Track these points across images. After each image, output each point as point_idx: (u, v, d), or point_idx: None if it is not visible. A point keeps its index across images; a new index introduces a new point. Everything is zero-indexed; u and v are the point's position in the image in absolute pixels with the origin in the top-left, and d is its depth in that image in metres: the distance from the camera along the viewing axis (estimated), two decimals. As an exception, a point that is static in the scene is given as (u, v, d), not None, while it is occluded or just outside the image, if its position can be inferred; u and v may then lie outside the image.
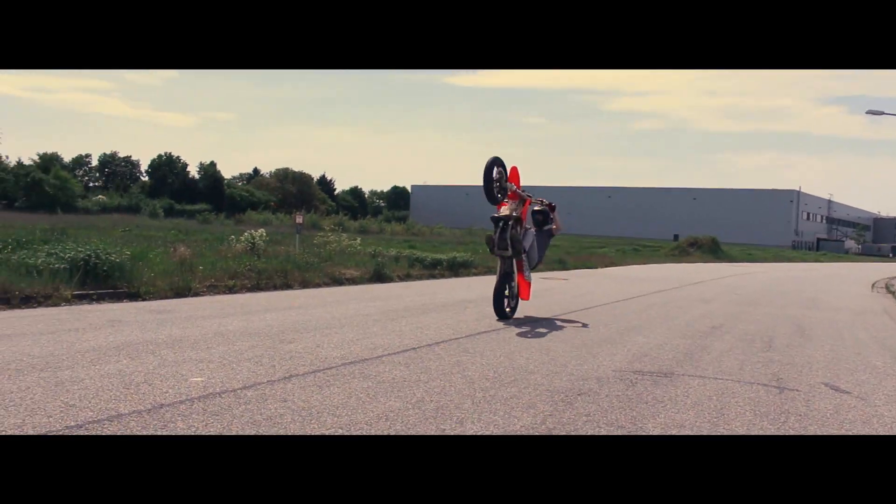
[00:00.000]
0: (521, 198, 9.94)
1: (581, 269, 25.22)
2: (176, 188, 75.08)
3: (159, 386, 4.87)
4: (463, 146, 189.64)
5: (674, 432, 4.43)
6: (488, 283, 16.56)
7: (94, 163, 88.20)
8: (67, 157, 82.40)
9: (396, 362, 6.21)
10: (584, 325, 9.37)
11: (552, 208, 10.45)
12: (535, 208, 10.31)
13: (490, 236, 9.56)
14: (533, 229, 10.19)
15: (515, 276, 9.71)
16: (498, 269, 9.75)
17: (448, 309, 10.53)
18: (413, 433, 4.08)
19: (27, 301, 8.74)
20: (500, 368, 6.13)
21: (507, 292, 9.63)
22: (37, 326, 7.14)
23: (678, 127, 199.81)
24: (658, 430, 4.46)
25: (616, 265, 29.92)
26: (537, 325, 9.15)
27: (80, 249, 10.31)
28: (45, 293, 9.00)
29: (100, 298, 9.51)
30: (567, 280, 18.91)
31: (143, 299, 9.88)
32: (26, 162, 65.19)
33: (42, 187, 56.61)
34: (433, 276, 17.53)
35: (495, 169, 9.38)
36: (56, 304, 8.86)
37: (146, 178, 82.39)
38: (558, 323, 9.58)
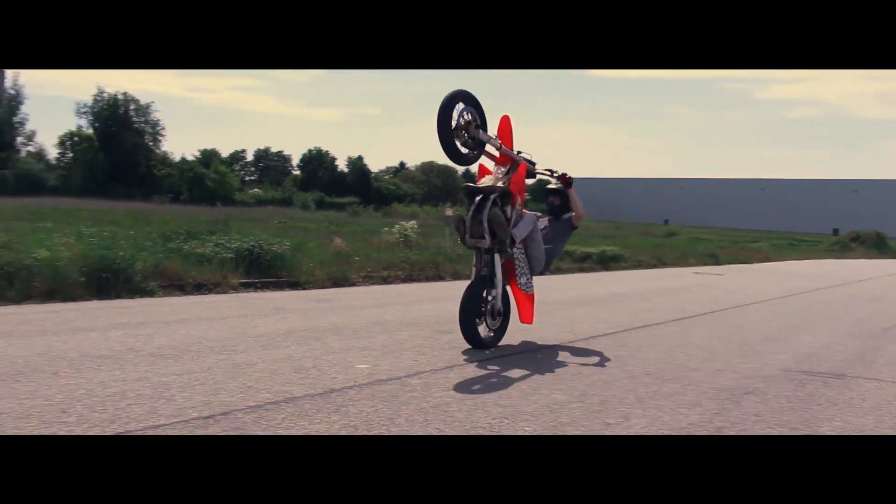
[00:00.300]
0: (514, 162, 6.40)
1: (735, 263, 24.12)
2: (326, 181, 78.15)
3: (327, 371, 5.05)
4: (605, 138, 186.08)
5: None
6: (640, 277, 16.17)
7: (249, 158, 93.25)
8: (225, 153, 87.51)
9: (555, 354, 6.17)
10: (742, 324, 8.91)
11: (567, 182, 6.89)
12: (550, 186, 7.09)
13: (461, 217, 6.25)
14: (538, 217, 6.74)
15: (500, 282, 6.18)
16: (472, 268, 6.36)
17: (601, 303, 10.34)
18: (579, 426, 4.02)
19: (199, 288, 9.36)
20: (661, 364, 5.94)
21: (484, 306, 6.18)
22: (210, 312, 7.63)
23: (835, 115, 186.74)
24: (835, 433, 4.16)
25: (771, 260, 28.39)
26: (693, 321, 8.80)
27: (244, 240, 10.93)
28: (215, 281, 9.61)
29: (263, 287, 10.04)
30: (722, 275, 18.11)
31: (304, 288, 10.35)
32: (189, 158, 69.90)
33: (203, 181, 60.49)
34: (582, 270, 17.31)
35: (458, 109, 5.90)
36: (224, 292, 9.43)
37: (298, 172, 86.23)
38: (716, 318, 9.17)
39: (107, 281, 8.42)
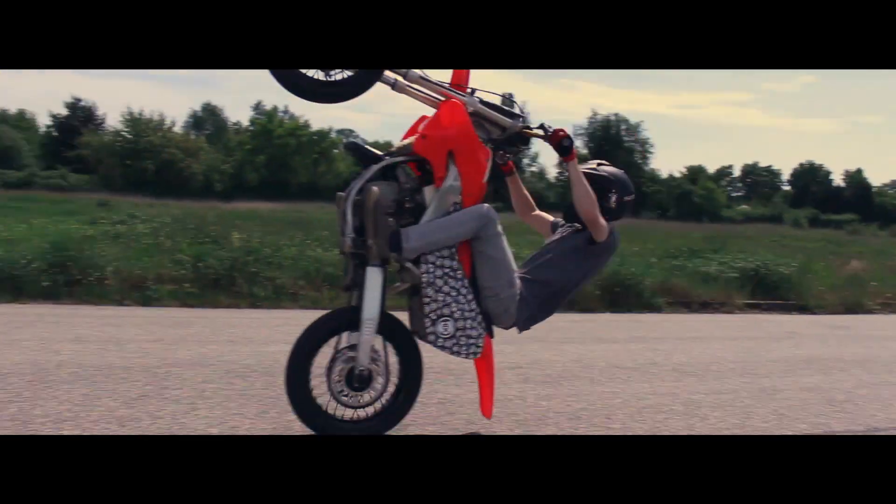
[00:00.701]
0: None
1: None
2: (819, 197, 72.24)
3: (865, 407, 4.66)
4: None
5: None
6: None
7: (736, 173, 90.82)
8: (711, 169, 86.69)
9: None
10: None
11: (560, 145, 3.34)
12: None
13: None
14: (488, 211, 3.28)
15: (368, 322, 3.20)
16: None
17: None
18: None
19: (704, 307, 9.44)
20: None
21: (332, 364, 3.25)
22: (721, 331, 7.64)
23: None
24: None
25: None
26: None
27: (748, 260, 10.69)
28: (720, 300, 9.58)
29: (769, 309, 9.69)
30: None
31: (813, 312, 9.71)
32: (676, 174, 70.91)
33: (690, 198, 60.79)
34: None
35: None
36: (730, 311, 9.36)
37: (788, 188, 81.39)
38: None
39: (619, 295, 9.03)
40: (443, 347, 3.28)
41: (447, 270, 3.25)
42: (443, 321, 3.25)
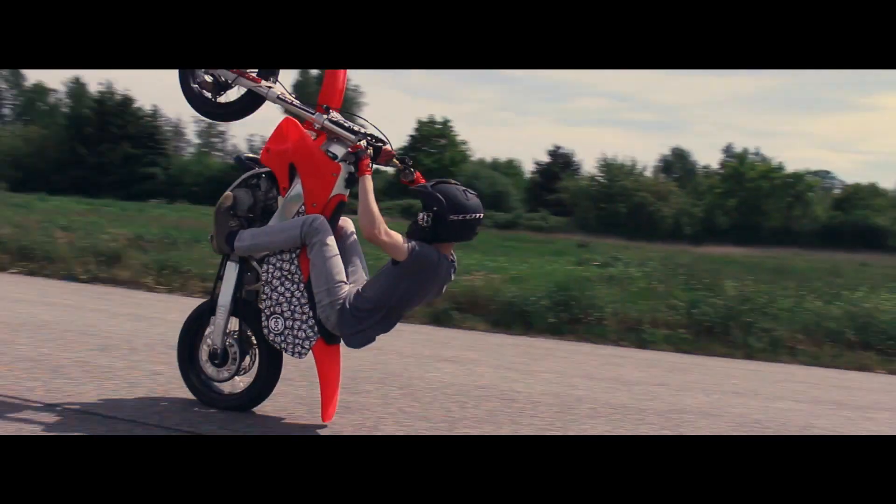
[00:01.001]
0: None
1: None
2: None
3: None
4: None
5: None
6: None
7: None
8: None
9: None
10: None
11: (357, 155, 3.57)
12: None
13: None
14: (316, 222, 3.51)
15: (221, 309, 3.71)
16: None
17: None
18: None
19: None
20: None
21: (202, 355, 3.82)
22: None
23: None
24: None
25: None
26: None
27: None
28: None
29: None
30: None
31: None
32: None
33: None
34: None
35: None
36: None
37: None
38: None
39: None
40: (273, 342, 3.62)
41: (285, 273, 3.59)
42: (274, 318, 3.59)
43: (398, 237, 3.42)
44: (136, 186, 48.77)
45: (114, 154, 47.70)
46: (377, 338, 3.61)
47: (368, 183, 3.51)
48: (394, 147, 3.87)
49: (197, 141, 75.06)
